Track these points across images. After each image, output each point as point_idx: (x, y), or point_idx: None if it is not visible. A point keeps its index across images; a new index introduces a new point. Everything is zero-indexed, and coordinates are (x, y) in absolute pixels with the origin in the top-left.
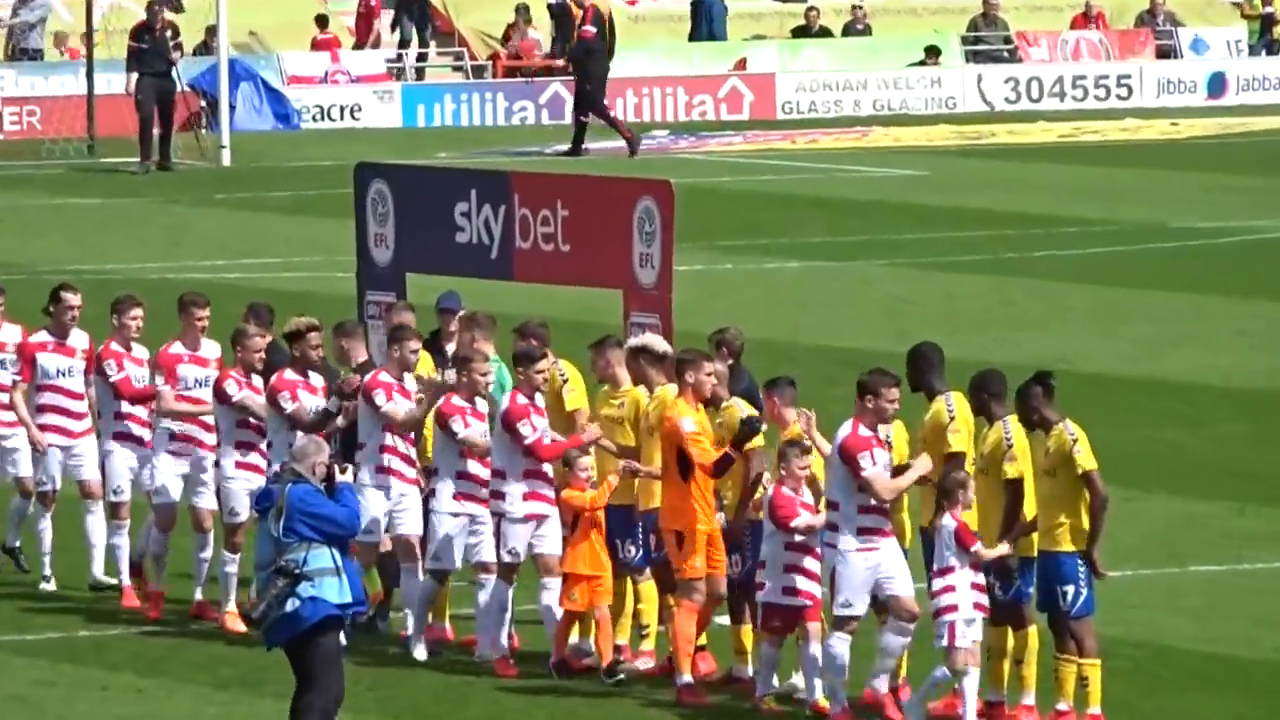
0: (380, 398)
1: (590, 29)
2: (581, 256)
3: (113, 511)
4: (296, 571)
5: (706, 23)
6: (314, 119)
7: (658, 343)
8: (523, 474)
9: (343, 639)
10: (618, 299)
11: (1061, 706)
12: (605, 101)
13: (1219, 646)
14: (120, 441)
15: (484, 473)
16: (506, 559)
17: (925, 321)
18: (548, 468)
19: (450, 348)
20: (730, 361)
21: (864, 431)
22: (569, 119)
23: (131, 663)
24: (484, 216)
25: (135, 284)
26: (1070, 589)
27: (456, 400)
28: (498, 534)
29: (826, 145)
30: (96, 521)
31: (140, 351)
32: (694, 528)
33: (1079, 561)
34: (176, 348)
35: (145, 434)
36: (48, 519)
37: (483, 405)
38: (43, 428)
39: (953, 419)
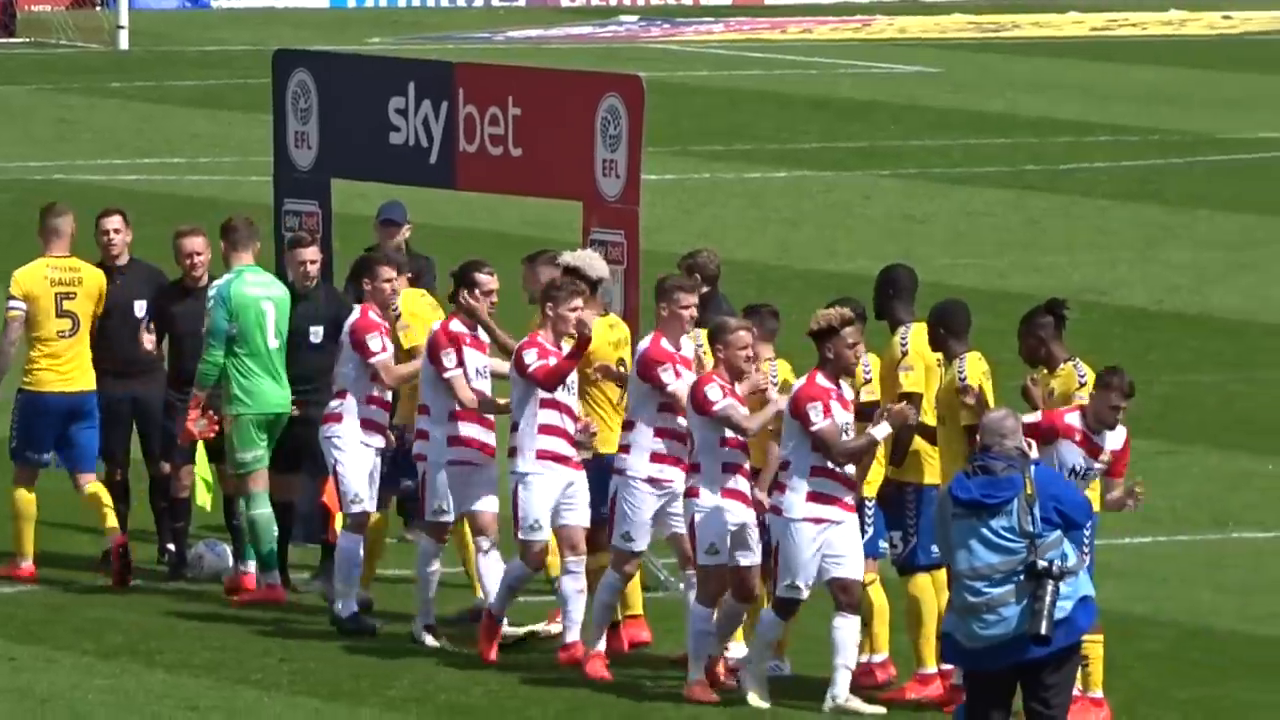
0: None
1: None
2: (535, 162)
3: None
4: (1063, 570)
5: None
6: None
7: (593, 264)
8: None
9: None
10: (576, 212)
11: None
12: None
13: (1266, 627)
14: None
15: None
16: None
17: (934, 242)
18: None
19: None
20: (705, 289)
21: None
22: None
23: (3, 627)
24: (423, 114)
25: (14, 186)
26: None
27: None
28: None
29: (822, 36)
30: (492, 563)
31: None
32: None
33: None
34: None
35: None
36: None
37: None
38: (454, 442)
39: (905, 354)
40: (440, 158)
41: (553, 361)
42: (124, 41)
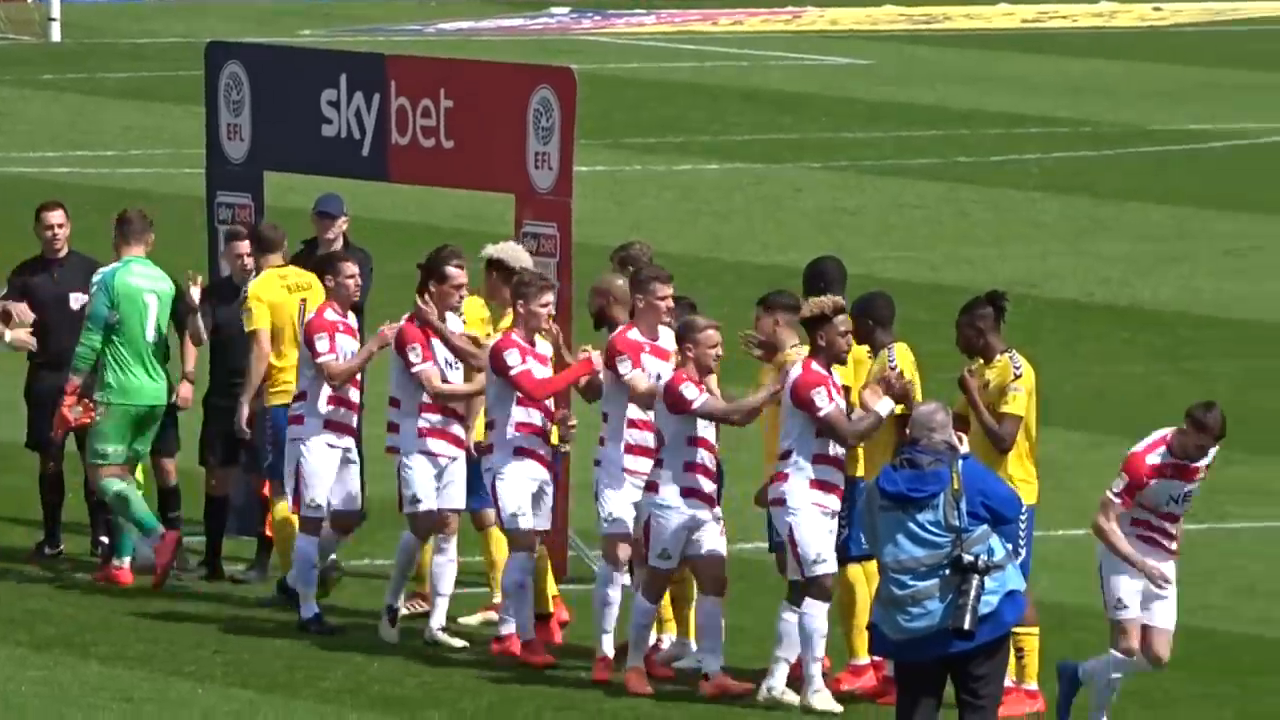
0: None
1: None
2: (467, 155)
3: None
4: (989, 565)
5: None
6: None
7: (517, 256)
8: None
9: None
10: (509, 204)
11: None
12: None
13: (1195, 619)
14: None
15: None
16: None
17: (865, 235)
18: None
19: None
20: None
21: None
22: None
23: None
24: (355, 106)
25: None
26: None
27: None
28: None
29: (753, 28)
30: (444, 563)
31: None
32: None
33: (1021, 517)
34: (635, 334)
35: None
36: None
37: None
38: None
39: None
40: (373, 150)
41: (533, 365)
42: (55, 33)
